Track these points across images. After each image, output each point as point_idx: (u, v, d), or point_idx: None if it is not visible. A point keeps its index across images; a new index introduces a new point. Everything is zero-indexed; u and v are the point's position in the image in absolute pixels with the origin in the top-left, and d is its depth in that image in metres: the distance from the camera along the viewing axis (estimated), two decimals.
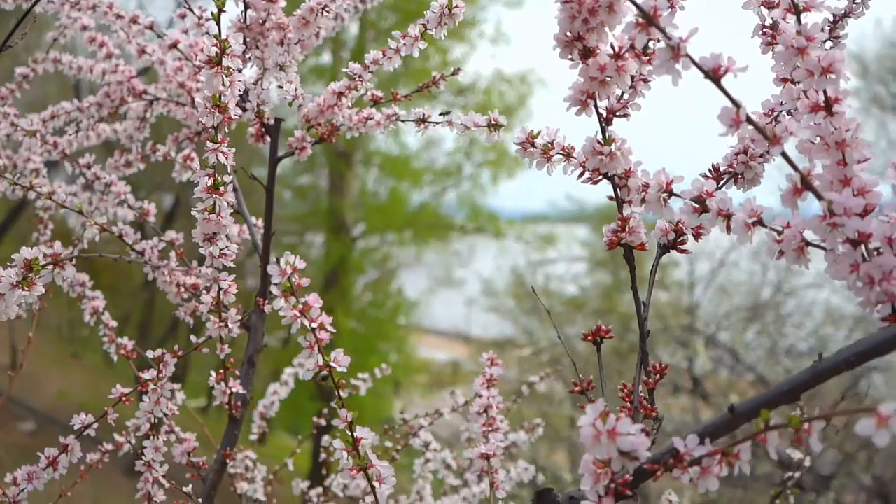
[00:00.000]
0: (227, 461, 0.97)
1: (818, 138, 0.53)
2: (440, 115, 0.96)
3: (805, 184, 0.50)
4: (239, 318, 0.88)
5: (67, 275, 0.66)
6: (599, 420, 0.49)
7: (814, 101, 0.53)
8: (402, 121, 0.96)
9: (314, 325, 0.61)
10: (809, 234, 0.54)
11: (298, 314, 0.60)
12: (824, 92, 0.52)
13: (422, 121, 0.94)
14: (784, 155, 0.50)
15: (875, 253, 0.51)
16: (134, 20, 1.08)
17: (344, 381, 0.64)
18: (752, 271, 7.58)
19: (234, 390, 0.95)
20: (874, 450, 6.10)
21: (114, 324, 1.09)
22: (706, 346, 5.60)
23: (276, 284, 0.60)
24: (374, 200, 11.67)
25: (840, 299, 6.94)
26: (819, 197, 0.50)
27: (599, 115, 0.60)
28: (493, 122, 0.81)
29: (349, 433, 0.63)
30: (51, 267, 0.64)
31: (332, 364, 0.62)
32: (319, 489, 1.31)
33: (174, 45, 1.03)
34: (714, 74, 0.49)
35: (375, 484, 0.63)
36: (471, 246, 12.50)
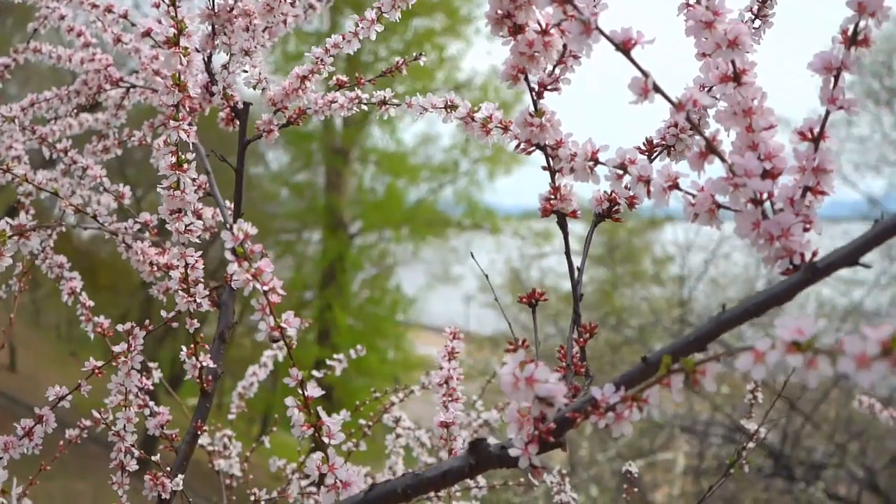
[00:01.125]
0: (199, 433, 1.01)
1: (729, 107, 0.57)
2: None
3: (710, 148, 0.54)
4: (206, 292, 0.92)
5: (32, 244, 0.70)
6: (518, 368, 0.53)
7: (723, 72, 0.57)
8: (365, 103, 1.00)
9: (266, 288, 0.65)
10: (721, 198, 0.58)
11: (251, 278, 0.64)
12: (732, 63, 0.56)
13: (382, 103, 0.98)
14: (690, 121, 0.54)
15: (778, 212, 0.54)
16: (108, 9, 1.11)
17: (294, 342, 0.67)
18: (747, 264, 7.62)
19: (204, 364, 0.99)
20: (866, 441, 6.14)
21: (91, 303, 1.12)
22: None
23: (228, 250, 0.63)
24: (371, 197, 11.71)
25: (830, 291, 6.99)
26: (723, 160, 0.54)
27: (531, 88, 0.64)
28: (449, 103, 0.85)
29: (300, 392, 0.67)
30: (16, 238, 0.68)
31: (283, 325, 0.66)
32: (294, 465, 1.36)
33: (147, 34, 1.06)
34: (624, 47, 0.53)
35: (325, 439, 0.67)
36: (468, 242, 12.53)
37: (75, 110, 1.20)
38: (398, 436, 1.33)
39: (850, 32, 0.54)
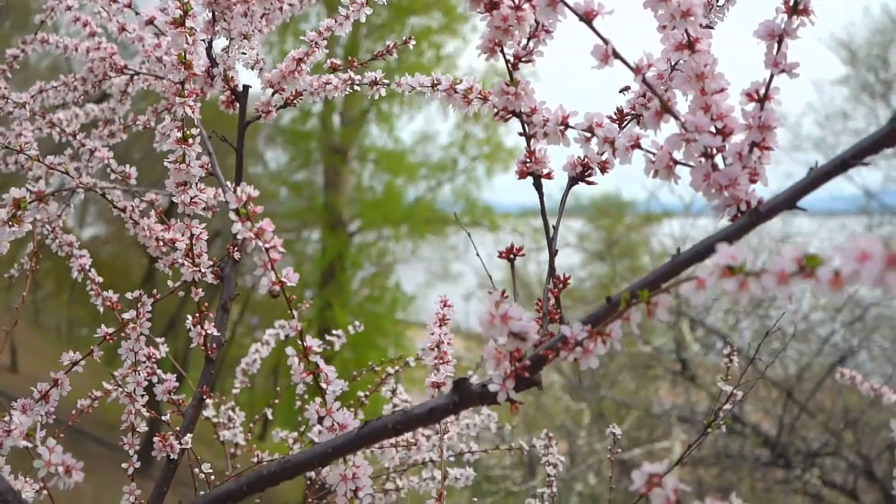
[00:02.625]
0: (204, 397, 1.07)
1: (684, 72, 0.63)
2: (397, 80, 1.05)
3: (665, 108, 0.60)
4: (210, 263, 0.98)
5: (50, 210, 0.75)
6: (494, 306, 0.59)
7: (679, 41, 0.62)
8: (358, 84, 1.06)
9: (267, 245, 0.70)
10: (678, 156, 0.64)
11: (254, 236, 0.70)
12: (686, 32, 0.62)
13: (374, 83, 1.04)
14: (646, 83, 0.60)
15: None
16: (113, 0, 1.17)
17: (294, 297, 0.73)
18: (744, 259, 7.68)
19: (209, 332, 1.05)
20: (861, 429, 6.21)
21: (100, 279, 1.18)
22: (692, 329, 5.71)
23: (233, 210, 0.69)
24: (369, 196, 11.76)
25: None
26: (676, 118, 0.60)
27: (507, 60, 0.69)
28: (434, 83, 0.91)
29: (300, 342, 0.73)
30: (36, 203, 0.74)
31: (283, 279, 0.72)
32: (296, 433, 1.41)
33: (150, 21, 1.12)
34: (587, 17, 0.59)
35: (323, 385, 0.73)
36: (466, 239, 12.54)
37: (81, 98, 1.26)
38: (395, 406, 1.39)
39: (790, 3, 0.60)
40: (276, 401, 1.57)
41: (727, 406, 1.14)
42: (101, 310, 1.15)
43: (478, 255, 1.07)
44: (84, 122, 1.27)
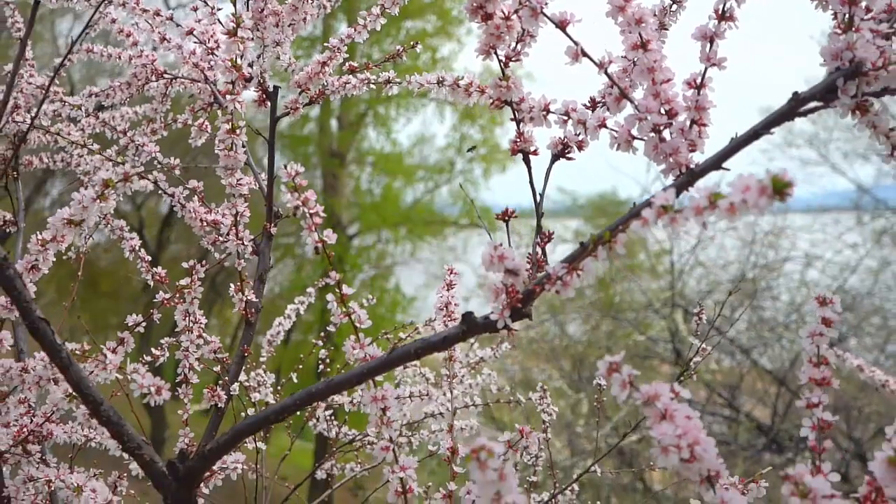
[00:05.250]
0: (245, 354, 1.24)
1: (636, 66, 0.80)
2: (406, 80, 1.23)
3: (622, 95, 0.78)
4: (252, 237, 1.15)
5: (136, 186, 0.93)
6: (494, 249, 0.76)
7: (634, 42, 0.80)
8: (373, 83, 1.23)
9: (311, 211, 0.88)
10: (635, 132, 0.81)
11: (300, 203, 0.88)
12: (640, 35, 0.79)
13: (387, 81, 1.22)
14: (608, 76, 0.77)
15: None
16: (157, 13, 1.34)
17: (333, 254, 0.90)
18: (740, 255, 7.90)
19: (249, 299, 1.22)
20: (851, 413, 6.39)
21: (149, 258, 1.36)
22: (685, 319, 5.89)
23: (284, 183, 0.87)
24: (368, 199, 11.94)
25: (815, 273, 7.25)
26: (631, 102, 0.78)
27: (499, 60, 0.87)
28: (440, 80, 1.08)
29: (338, 290, 0.90)
30: (122, 182, 0.91)
31: (324, 238, 0.89)
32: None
33: (190, 32, 1.29)
34: (562, 25, 0.77)
35: (357, 324, 0.90)
36: (464, 240, 12.72)
37: (127, 100, 1.43)
38: (405, 366, 1.55)
39: (720, 11, 0.77)
40: (300, 366, 1.74)
41: (697, 358, 1.32)
42: (152, 284, 1.32)
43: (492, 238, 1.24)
44: (132, 119, 1.44)
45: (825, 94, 0.70)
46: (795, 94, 0.71)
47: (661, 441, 0.63)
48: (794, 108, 0.71)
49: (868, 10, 0.70)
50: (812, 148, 8.70)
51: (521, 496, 0.60)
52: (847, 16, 0.70)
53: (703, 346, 1.34)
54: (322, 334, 1.77)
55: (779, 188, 0.55)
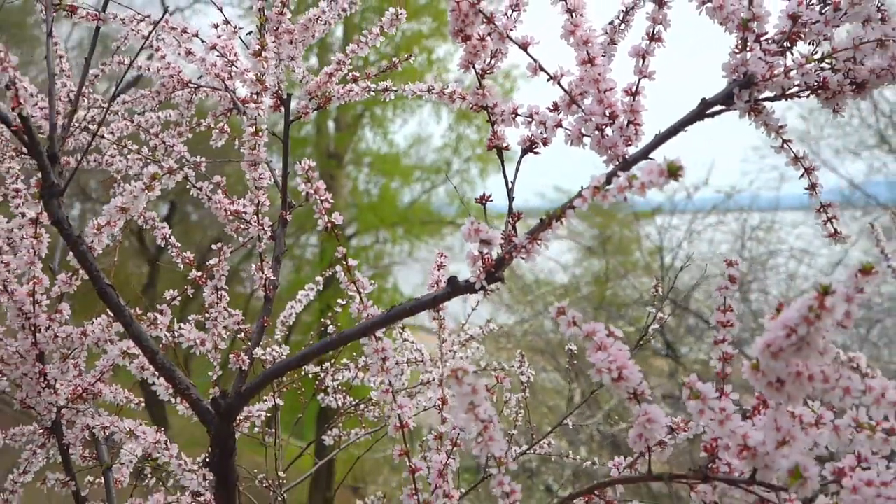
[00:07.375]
0: (265, 325, 1.44)
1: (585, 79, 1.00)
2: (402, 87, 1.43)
3: (572, 101, 0.98)
4: (271, 223, 1.35)
5: (177, 177, 1.13)
6: (472, 224, 0.96)
7: (583, 58, 1.00)
8: (374, 91, 1.44)
9: (322, 198, 1.08)
10: (584, 130, 1.01)
11: (312, 192, 1.07)
12: (587, 52, 0.99)
13: (386, 89, 1.42)
14: (560, 86, 0.97)
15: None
16: (184, 30, 1.54)
17: (341, 233, 1.10)
18: (733, 248, 8.11)
19: (268, 277, 1.42)
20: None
21: (178, 245, 1.56)
22: (674, 312, 6.10)
23: (298, 175, 1.07)
24: (365, 199, 12.12)
25: (804, 267, 7.47)
26: (579, 106, 0.98)
27: (476, 73, 1.07)
28: (430, 88, 1.28)
29: (345, 262, 1.10)
30: (167, 175, 1.11)
31: (333, 220, 1.09)
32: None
33: (213, 47, 1.49)
34: (524, 46, 0.97)
35: (361, 290, 1.10)
36: (462, 240, 12.85)
37: (157, 106, 1.63)
38: (405, 340, 1.75)
39: (650, 33, 0.98)
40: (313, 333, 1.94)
41: (654, 326, 1.51)
42: (182, 266, 1.52)
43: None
44: (161, 122, 1.64)
45: (725, 99, 0.90)
46: (703, 99, 0.91)
47: (597, 364, 0.82)
48: (703, 110, 0.91)
49: (759, 36, 0.90)
50: (803, 144, 8.91)
51: (490, 405, 0.80)
52: (742, 39, 0.90)
53: (661, 315, 1.53)
54: (322, 329, 1.96)
55: (673, 171, 0.75)
